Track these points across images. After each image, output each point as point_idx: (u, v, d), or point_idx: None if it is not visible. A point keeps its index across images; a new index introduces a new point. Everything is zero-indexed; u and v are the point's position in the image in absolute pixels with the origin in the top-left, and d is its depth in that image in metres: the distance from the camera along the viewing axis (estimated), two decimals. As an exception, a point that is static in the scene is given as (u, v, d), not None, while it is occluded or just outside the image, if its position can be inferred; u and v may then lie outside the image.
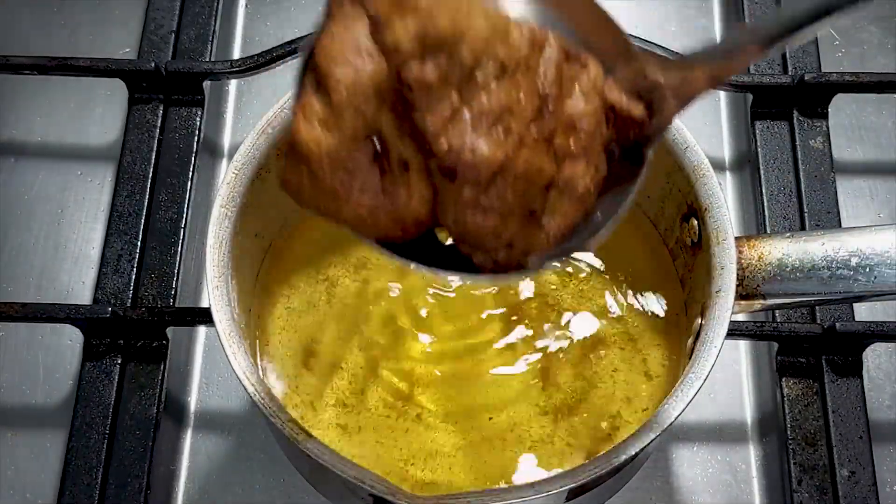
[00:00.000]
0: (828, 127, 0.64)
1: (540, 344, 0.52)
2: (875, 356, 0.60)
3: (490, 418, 0.50)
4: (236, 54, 0.70)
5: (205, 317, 0.55)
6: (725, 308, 0.44)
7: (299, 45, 0.36)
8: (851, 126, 0.67)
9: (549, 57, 0.36)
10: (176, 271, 0.58)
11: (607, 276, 0.54)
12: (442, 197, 0.35)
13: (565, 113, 0.36)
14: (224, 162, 0.66)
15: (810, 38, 0.38)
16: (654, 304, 0.53)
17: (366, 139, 0.34)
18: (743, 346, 0.61)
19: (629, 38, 0.39)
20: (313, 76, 0.34)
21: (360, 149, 0.34)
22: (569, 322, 0.53)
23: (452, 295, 0.53)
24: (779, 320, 0.58)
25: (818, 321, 0.58)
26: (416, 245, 0.37)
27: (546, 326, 0.52)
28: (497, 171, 0.35)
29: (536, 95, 0.35)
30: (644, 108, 0.38)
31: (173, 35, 0.66)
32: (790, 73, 0.65)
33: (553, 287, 0.53)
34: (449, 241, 0.37)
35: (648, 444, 0.41)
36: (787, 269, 0.45)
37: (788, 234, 0.47)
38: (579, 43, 0.38)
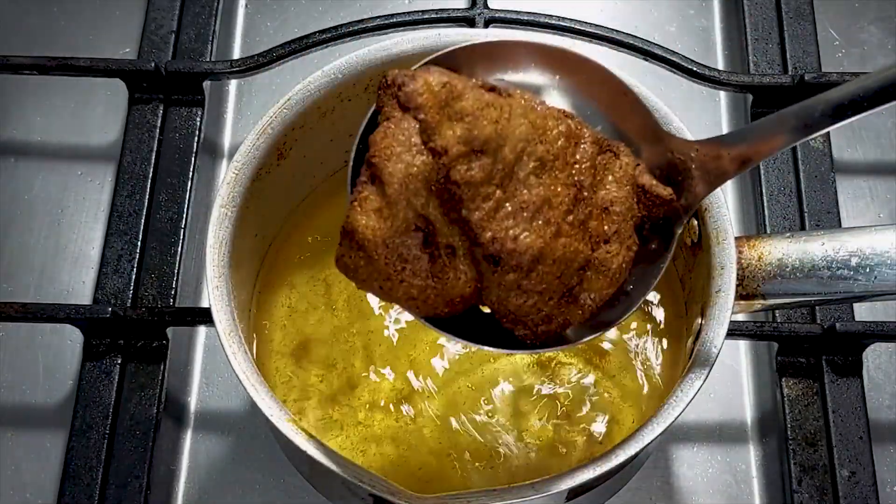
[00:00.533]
0: (828, 127, 0.63)
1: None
2: (875, 356, 0.60)
3: (489, 418, 0.50)
4: (236, 54, 0.70)
5: (205, 317, 0.55)
6: (725, 308, 0.44)
7: (348, 153, 0.40)
8: (851, 126, 0.67)
9: (584, 149, 0.39)
10: (176, 271, 0.58)
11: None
12: (486, 280, 0.38)
13: (599, 199, 0.39)
14: (224, 162, 0.66)
15: (834, 129, 0.40)
16: (655, 304, 0.53)
17: (416, 228, 0.37)
18: (743, 346, 0.61)
19: (658, 120, 0.42)
20: (369, 171, 0.37)
21: (412, 237, 0.37)
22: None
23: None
24: (779, 320, 0.58)
25: (818, 321, 0.57)
26: (461, 317, 0.40)
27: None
28: (537, 258, 0.38)
29: (573, 185, 0.39)
30: (671, 188, 0.40)
31: (173, 35, 0.66)
32: (790, 73, 0.65)
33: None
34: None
35: (648, 444, 0.41)
36: (787, 269, 0.45)
37: (788, 234, 0.47)
38: (611, 126, 0.41)
